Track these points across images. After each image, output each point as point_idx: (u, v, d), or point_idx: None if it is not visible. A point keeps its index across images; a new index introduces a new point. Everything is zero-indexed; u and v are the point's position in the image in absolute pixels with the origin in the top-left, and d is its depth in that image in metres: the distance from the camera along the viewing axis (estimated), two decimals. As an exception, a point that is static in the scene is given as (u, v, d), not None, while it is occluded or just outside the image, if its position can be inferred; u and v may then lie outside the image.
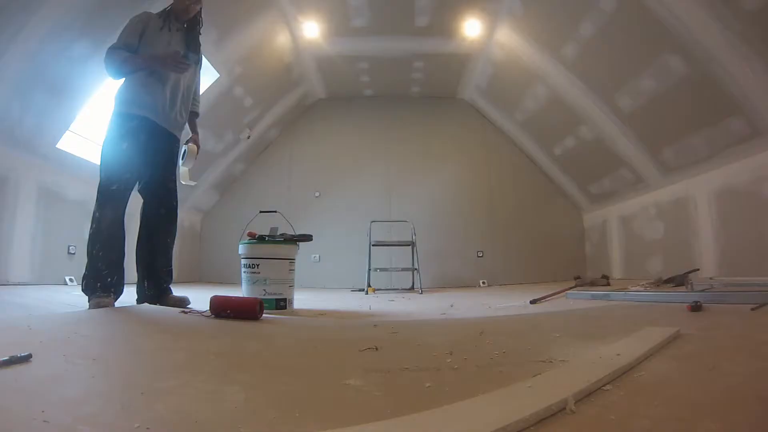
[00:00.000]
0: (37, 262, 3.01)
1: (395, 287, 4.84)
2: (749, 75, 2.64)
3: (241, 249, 2.15)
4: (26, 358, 0.91)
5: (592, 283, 3.64)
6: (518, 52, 4.17)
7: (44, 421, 0.61)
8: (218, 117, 4.36)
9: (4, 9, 2.28)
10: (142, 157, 1.98)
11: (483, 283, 4.96)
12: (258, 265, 2.11)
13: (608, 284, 3.63)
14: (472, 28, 4.17)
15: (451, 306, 2.51)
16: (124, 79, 1.95)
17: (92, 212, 1.90)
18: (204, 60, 3.76)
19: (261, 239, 2.17)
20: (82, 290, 1.86)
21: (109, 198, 1.92)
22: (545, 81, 4.18)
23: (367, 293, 3.73)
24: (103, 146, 1.97)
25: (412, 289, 4.33)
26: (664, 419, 0.62)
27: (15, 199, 2.87)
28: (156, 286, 2.11)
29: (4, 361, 0.87)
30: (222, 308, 1.75)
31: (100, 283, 1.84)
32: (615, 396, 0.73)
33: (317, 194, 5.33)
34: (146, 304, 2.01)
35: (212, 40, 3.67)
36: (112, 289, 1.87)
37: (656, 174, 3.88)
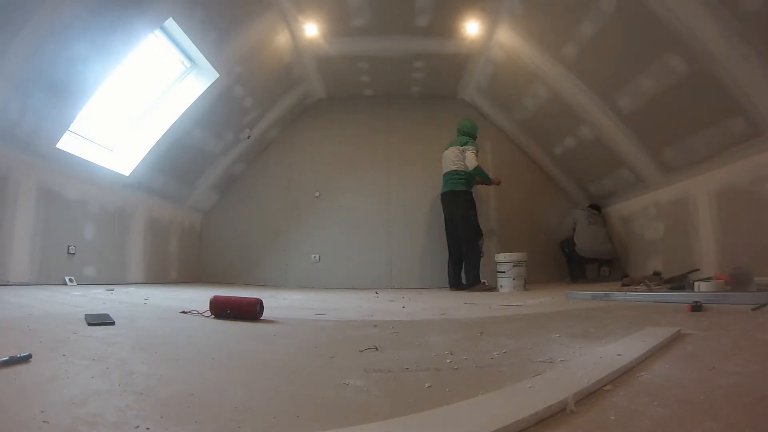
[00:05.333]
0: (37, 262, 3.00)
1: (395, 287, 4.84)
2: (750, 75, 2.63)
3: None
4: (26, 358, 0.91)
5: (642, 282, 3.25)
6: (518, 51, 4.17)
7: (44, 421, 0.61)
8: (218, 117, 4.36)
9: (3, 8, 2.27)
10: None
11: (484, 283, 4.95)
12: None
13: (660, 281, 3.21)
14: (472, 28, 4.16)
15: (452, 306, 2.51)
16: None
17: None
18: (204, 60, 3.79)
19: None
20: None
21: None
22: (545, 81, 4.18)
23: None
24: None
25: (412, 289, 4.33)
26: (664, 419, 0.62)
27: (15, 199, 2.87)
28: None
29: (4, 361, 0.87)
30: (222, 308, 1.75)
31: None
32: (615, 396, 0.73)
33: (317, 194, 5.32)
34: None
35: (212, 40, 3.67)
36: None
37: (656, 174, 3.88)
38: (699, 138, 3.22)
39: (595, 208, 4.84)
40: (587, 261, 4.55)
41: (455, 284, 4.33)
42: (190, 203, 4.98)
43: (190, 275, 5.03)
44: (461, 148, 4.41)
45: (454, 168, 4.40)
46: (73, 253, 3.32)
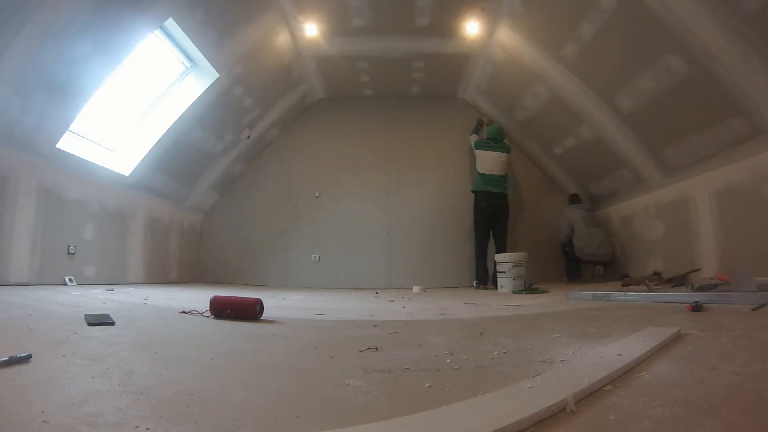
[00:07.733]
0: (36, 262, 3.00)
1: (395, 287, 4.84)
2: (750, 74, 2.63)
3: None
4: (26, 358, 0.91)
5: (642, 282, 3.19)
6: (518, 51, 4.17)
7: (44, 421, 0.61)
8: (218, 117, 4.35)
9: (3, 8, 2.27)
10: None
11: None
12: None
13: (661, 281, 3.18)
14: (472, 28, 4.16)
15: (452, 306, 2.51)
16: None
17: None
18: (204, 60, 3.79)
19: None
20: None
21: None
22: (545, 81, 4.18)
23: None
24: None
25: (412, 289, 4.32)
26: (664, 419, 0.62)
27: (15, 199, 2.87)
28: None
29: (4, 361, 0.87)
30: (222, 308, 1.75)
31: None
32: (616, 396, 0.73)
33: (317, 194, 5.33)
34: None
35: (212, 40, 3.66)
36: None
37: (656, 174, 3.88)
38: (699, 138, 3.22)
39: (577, 199, 4.89)
40: (584, 262, 4.55)
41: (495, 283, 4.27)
42: (190, 203, 4.98)
43: (190, 275, 5.03)
44: (507, 157, 4.71)
45: (505, 174, 4.69)
46: (73, 253, 3.32)
